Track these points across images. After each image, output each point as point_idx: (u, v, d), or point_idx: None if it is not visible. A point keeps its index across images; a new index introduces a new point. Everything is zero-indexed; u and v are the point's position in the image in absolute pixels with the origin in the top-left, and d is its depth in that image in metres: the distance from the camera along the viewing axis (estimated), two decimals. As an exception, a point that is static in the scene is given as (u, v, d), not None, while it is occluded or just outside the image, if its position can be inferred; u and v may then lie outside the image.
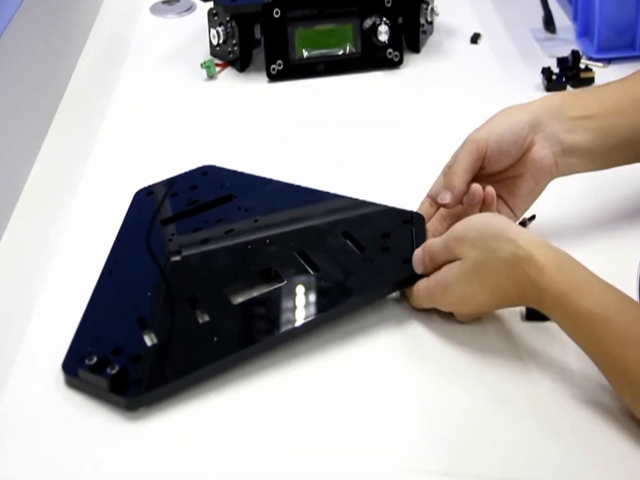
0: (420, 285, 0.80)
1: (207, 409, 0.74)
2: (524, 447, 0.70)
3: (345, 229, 0.87)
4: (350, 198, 0.92)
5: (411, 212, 0.88)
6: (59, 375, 0.76)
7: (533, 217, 0.93)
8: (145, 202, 0.96)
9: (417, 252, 0.81)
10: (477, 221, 0.78)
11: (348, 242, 0.86)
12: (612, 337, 0.69)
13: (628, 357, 0.68)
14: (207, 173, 0.99)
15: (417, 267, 0.81)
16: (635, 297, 0.75)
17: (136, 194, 0.97)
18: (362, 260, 0.84)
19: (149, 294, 0.83)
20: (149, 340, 0.77)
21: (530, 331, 0.79)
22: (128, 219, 0.93)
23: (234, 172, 0.99)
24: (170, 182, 0.98)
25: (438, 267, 0.80)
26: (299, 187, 0.96)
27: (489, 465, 0.69)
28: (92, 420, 0.73)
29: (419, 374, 0.77)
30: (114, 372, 0.73)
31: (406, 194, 0.94)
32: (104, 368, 0.73)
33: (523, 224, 0.92)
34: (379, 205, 0.91)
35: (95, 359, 0.74)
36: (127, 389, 0.73)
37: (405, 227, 0.86)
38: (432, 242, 0.80)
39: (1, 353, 0.80)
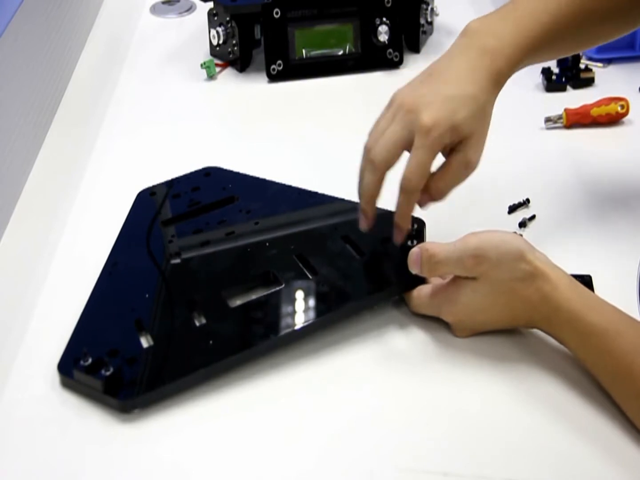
0: (422, 291, 0.80)
1: (201, 412, 0.74)
2: (524, 447, 0.70)
3: (346, 233, 0.87)
4: (351, 202, 0.92)
5: (412, 217, 0.87)
6: (55, 375, 0.76)
7: (533, 217, 0.93)
8: (148, 202, 0.96)
9: (414, 252, 0.79)
10: (495, 240, 0.76)
11: (348, 246, 0.86)
12: (622, 350, 0.70)
13: (636, 366, 0.69)
14: (210, 174, 0.99)
15: (413, 267, 0.79)
16: (635, 297, 0.75)
17: (139, 194, 0.97)
18: (362, 264, 0.84)
19: (147, 295, 0.83)
20: (145, 342, 0.77)
21: (530, 333, 0.79)
22: (130, 219, 0.93)
23: (237, 173, 0.99)
24: (173, 183, 0.98)
25: (441, 275, 0.80)
26: (301, 190, 0.95)
27: (489, 465, 0.69)
28: (87, 421, 0.73)
29: (419, 375, 0.77)
30: (108, 373, 0.73)
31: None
32: (99, 369, 0.73)
33: (523, 224, 0.92)
34: (379, 209, 0.90)
35: (90, 360, 0.74)
36: (121, 391, 0.73)
37: None
38: (438, 249, 0.78)
39: (-1, 353, 0.80)
